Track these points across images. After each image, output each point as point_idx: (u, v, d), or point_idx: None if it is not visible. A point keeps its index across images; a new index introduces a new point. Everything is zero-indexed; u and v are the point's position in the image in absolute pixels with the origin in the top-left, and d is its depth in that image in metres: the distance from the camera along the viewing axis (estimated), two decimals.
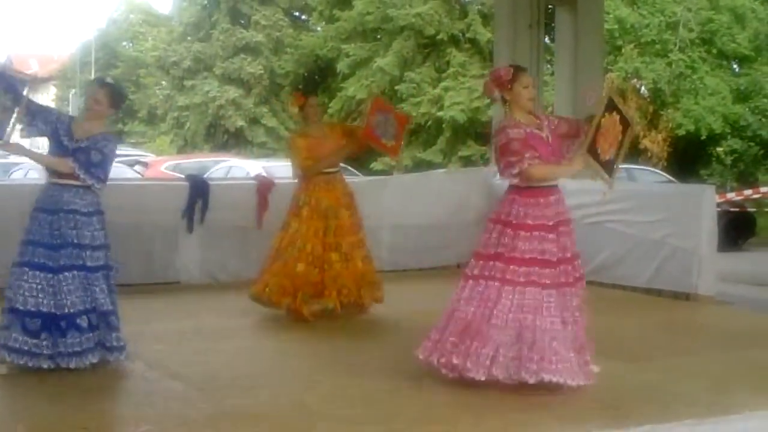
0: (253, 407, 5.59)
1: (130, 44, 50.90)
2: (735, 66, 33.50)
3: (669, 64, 31.31)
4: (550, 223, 5.91)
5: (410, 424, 5.22)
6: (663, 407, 5.62)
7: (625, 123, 6.38)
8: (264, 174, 13.52)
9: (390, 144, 9.11)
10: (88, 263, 6.30)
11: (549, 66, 18.79)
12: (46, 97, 55.75)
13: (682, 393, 6.00)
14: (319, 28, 41.88)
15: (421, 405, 5.63)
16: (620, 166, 6.61)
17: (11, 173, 18.66)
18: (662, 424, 5.28)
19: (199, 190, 10.57)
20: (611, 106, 6.28)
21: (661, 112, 31.62)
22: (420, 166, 31.28)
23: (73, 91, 47.88)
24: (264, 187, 10.78)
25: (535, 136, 5.98)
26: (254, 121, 40.36)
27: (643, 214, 10.10)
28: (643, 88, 32.16)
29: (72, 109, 46.39)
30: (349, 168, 23.21)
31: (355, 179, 16.40)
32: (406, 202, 11.69)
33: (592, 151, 6.12)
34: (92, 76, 46.68)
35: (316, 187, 8.60)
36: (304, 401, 5.71)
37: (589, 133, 6.08)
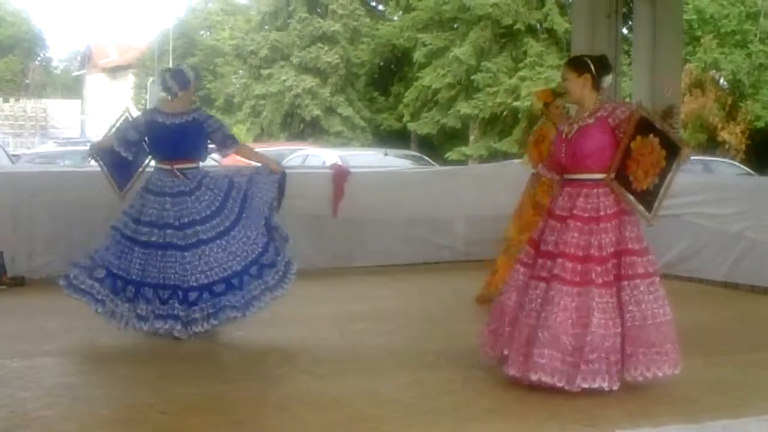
0: (326, 393, 5.65)
1: (208, 33, 51.50)
2: None
3: (748, 55, 30.85)
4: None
5: (481, 416, 5.24)
6: (738, 402, 5.56)
7: (669, 147, 5.69)
8: (340, 163, 13.59)
9: None
10: None
11: (627, 56, 18.62)
12: (125, 85, 56.67)
13: (758, 388, 5.94)
14: (395, 18, 41.94)
15: (494, 398, 5.63)
16: (664, 199, 5.79)
17: (89, 160, 18.99)
18: (738, 419, 5.22)
19: None
20: (644, 128, 5.63)
21: (740, 104, 31.17)
22: (496, 156, 31.20)
23: (151, 79, 48.50)
24: (340, 176, 10.85)
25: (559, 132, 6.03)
26: (330, 110, 40.55)
27: (721, 206, 9.98)
28: (722, 79, 31.70)
29: (150, 97, 47.09)
30: (424, 157, 23.30)
31: (429, 169, 16.52)
32: (481, 193, 11.65)
33: (623, 179, 5.65)
34: (170, 65, 47.39)
35: (543, 186, 8.25)
36: (377, 389, 5.75)
37: (615, 159, 5.65)
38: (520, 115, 34.02)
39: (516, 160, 17.35)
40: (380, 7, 44.83)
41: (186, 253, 6.88)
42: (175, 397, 5.55)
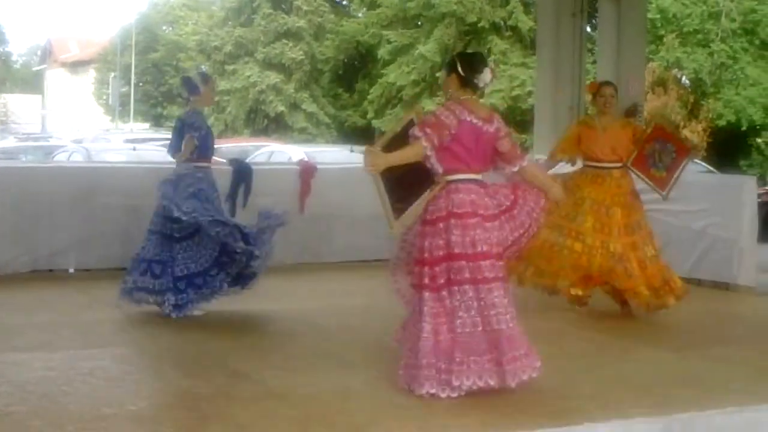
0: (296, 388, 5.66)
1: (171, 28, 51.22)
2: None
3: (710, 54, 31.14)
4: None
5: (450, 408, 5.28)
6: (703, 395, 5.64)
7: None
8: (306, 159, 13.59)
9: (660, 175, 8.30)
10: None
11: (591, 55, 18.75)
12: (86, 80, 56.27)
13: (722, 381, 6.03)
14: (360, 14, 41.96)
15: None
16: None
17: (54, 155, 18.91)
18: (703, 411, 5.31)
19: (242, 174, 10.61)
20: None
21: (702, 103, 31.46)
22: None
23: (113, 74, 48.21)
24: (307, 171, 10.85)
25: None
26: (294, 106, 40.52)
27: (685, 203, 10.06)
28: (684, 78, 31.98)
29: (112, 92, 46.82)
30: None
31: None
32: None
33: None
34: (132, 60, 47.09)
35: (585, 180, 8.18)
36: (347, 384, 5.79)
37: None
38: None
39: None
40: (345, 3, 44.84)
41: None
42: (144, 393, 5.56)
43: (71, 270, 9.92)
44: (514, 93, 33.11)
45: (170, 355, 6.60)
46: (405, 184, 5.56)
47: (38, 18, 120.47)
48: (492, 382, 5.38)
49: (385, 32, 37.01)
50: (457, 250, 5.47)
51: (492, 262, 5.50)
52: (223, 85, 41.34)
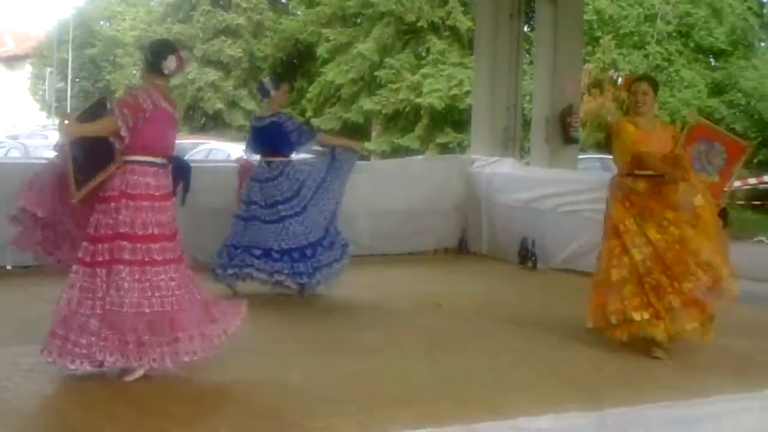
0: (237, 384, 5.71)
1: (108, 23, 50.65)
2: (711, 60, 33.80)
3: (646, 56, 31.57)
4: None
5: (387, 404, 5.35)
6: (638, 391, 5.78)
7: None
8: (245, 157, 13.58)
9: (712, 179, 7.34)
10: None
11: (528, 56, 18.93)
12: (21, 75, 55.49)
13: (657, 377, 6.17)
14: (299, 12, 41.89)
15: (401, 386, 5.75)
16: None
17: None
18: (636, 406, 5.44)
19: (181, 171, 10.56)
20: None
21: None
22: (398, 152, 31.42)
23: (50, 69, 47.61)
24: (245, 170, 10.83)
25: None
26: (233, 104, 40.37)
27: None
28: (620, 79, 32.36)
29: (48, 87, 46.23)
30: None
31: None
32: (385, 188, 11.76)
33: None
34: (69, 55, 46.54)
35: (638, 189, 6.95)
36: (286, 380, 5.83)
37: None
38: (422, 112, 34.28)
39: (419, 156, 17.55)
40: (284, 1, 44.73)
41: (270, 226, 8.54)
42: (86, 387, 5.56)
43: (8, 267, 9.83)
44: (452, 92, 33.27)
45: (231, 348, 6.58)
46: (90, 157, 5.70)
47: None
48: (137, 361, 5.57)
49: (323, 30, 37.00)
50: (123, 230, 5.63)
51: (162, 245, 5.71)
52: None
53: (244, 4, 41.03)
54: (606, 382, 6.02)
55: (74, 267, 5.64)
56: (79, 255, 5.67)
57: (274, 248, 8.50)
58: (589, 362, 6.53)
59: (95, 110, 5.87)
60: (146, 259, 5.61)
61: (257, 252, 8.57)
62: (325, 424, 4.95)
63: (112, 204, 5.67)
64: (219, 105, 40.00)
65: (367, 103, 35.31)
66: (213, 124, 40.30)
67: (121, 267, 5.57)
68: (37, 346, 5.69)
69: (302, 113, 38.75)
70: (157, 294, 5.60)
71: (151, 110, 5.73)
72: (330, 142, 9.40)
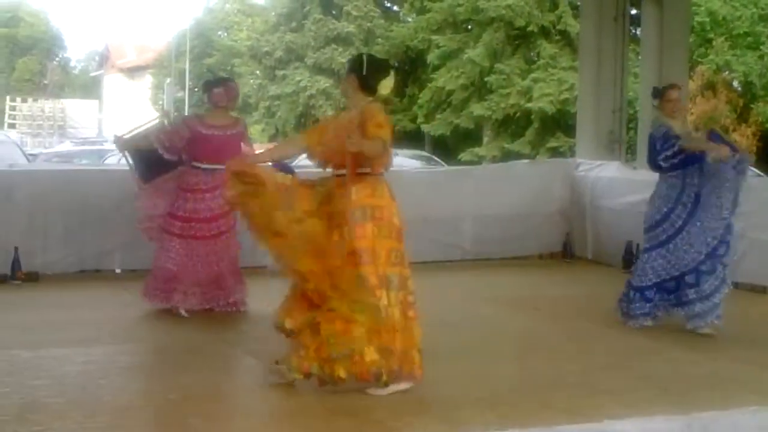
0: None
1: (225, 34, 51.66)
2: None
3: (761, 57, 30.88)
4: None
5: (475, 404, 5.39)
6: (728, 395, 5.70)
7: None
8: None
9: None
10: None
11: (636, 58, 18.75)
12: (142, 85, 56.95)
13: (749, 382, 6.07)
14: (410, 19, 42.09)
15: (487, 386, 5.79)
16: None
17: (105, 159, 19.24)
18: (725, 410, 5.37)
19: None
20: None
21: (752, 106, 31.18)
22: (508, 157, 31.30)
23: (168, 79, 48.73)
24: None
25: None
26: (344, 110, 40.67)
27: None
28: (734, 81, 31.76)
29: (167, 97, 47.33)
30: (434, 158, 23.33)
31: (438, 169, 16.68)
32: (489, 193, 11.76)
33: None
34: (187, 65, 47.61)
35: None
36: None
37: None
38: (532, 117, 34.12)
39: (523, 161, 17.47)
40: (395, 8, 44.98)
41: None
42: (177, 385, 5.71)
43: (117, 270, 10.15)
44: (563, 97, 33.04)
45: (205, 352, 6.76)
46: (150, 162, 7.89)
47: (96, 24, 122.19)
48: None
49: (434, 37, 37.08)
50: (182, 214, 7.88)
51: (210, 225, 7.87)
52: (273, 90, 41.73)
53: (355, 13, 41.41)
54: (696, 386, 5.94)
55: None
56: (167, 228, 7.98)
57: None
58: (683, 367, 6.46)
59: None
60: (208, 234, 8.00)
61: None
62: (405, 422, 5.01)
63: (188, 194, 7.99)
64: (330, 112, 40.39)
65: (477, 109, 35.28)
66: None
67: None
68: (135, 345, 5.85)
69: (413, 119, 38.93)
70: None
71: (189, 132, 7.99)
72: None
